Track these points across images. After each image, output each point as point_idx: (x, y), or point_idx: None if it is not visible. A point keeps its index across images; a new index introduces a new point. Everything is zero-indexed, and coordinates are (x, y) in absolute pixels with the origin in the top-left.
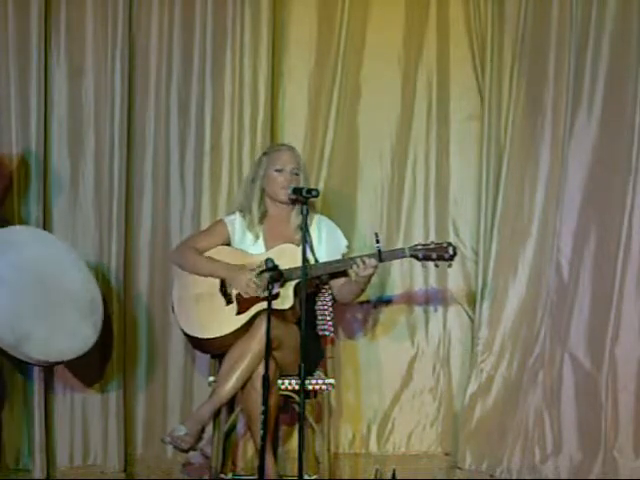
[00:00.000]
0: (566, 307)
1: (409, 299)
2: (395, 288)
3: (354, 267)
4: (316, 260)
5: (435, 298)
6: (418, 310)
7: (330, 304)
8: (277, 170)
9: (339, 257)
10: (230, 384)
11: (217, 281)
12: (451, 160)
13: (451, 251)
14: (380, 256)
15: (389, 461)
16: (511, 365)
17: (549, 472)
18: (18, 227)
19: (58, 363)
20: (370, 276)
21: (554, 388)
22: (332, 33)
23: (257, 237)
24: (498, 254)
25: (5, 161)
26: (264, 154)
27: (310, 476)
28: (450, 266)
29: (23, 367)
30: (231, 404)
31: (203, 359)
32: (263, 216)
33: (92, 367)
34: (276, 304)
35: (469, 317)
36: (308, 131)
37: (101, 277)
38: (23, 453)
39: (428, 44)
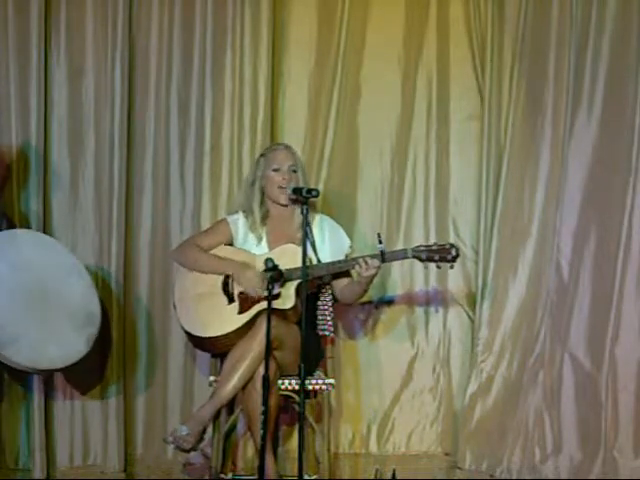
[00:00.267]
0: (566, 307)
1: (409, 299)
2: (396, 288)
3: (357, 267)
4: (318, 260)
5: (435, 298)
6: (418, 310)
7: (330, 304)
8: (274, 170)
9: (343, 257)
10: (231, 384)
11: (219, 280)
12: (451, 160)
13: (454, 252)
14: (383, 257)
15: (389, 461)
16: (511, 365)
17: (549, 472)
18: (20, 230)
19: (46, 371)
20: (373, 277)
21: (554, 388)
22: (332, 33)
23: (260, 239)
24: (498, 254)
25: (2, 149)
26: (261, 155)
27: (310, 476)
28: (452, 267)
29: None
30: (231, 404)
31: (203, 359)
32: (265, 217)
33: (92, 367)
34: (278, 304)
35: (469, 317)
36: (308, 131)
37: (101, 277)
38: (23, 453)
39: (428, 44)
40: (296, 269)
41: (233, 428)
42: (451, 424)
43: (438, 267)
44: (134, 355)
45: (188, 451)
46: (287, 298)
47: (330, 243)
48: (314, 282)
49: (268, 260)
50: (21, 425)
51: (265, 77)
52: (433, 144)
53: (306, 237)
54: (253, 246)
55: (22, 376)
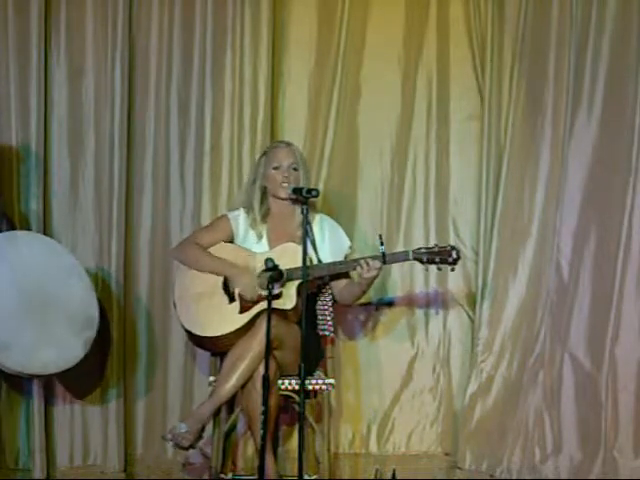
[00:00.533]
0: (566, 307)
1: (410, 300)
2: (396, 289)
3: (358, 269)
4: (319, 259)
5: (435, 298)
6: (418, 310)
7: (330, 304)
8: (275, 168)
9: (342, 257)
10: (230, 383)
11: (220, 279)
12: (451, 160)
13: (455, 255)
14: (384, 259)
15: (389, 461)
16: (511, 365)
17: (549, 472)
18: (20, 232)
19: (39, 376)
20: (373, 278)
21: (554, 388)
22: (332, 33)
23: (260, 236)
24: (498, 254)
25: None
26: (263, 154)
27: (310, 476)
28: (453, 270)
29: None
30: (231, 404)
31: (203, 359)
32: (266, 214)
33: (92, 368)
34: (279, 304)
35: (469, 317)
36: (308, 131)
37: (101, 278)
38: (23, 453)
39: (428, 44)
40: (297, 269)
41: (233, 428)
42: (451, 424)
43: (439, 269)
44: (134, 355)
45: (187, 449)
46: (288, 298)
47: (330, 243)
48: (314, 282)
49: (268, 260)
50: (21, 425)
51: (265, 77)
52: (433, 144)
53: (306, 237)
54: (253, 243)
55: (22, 377)
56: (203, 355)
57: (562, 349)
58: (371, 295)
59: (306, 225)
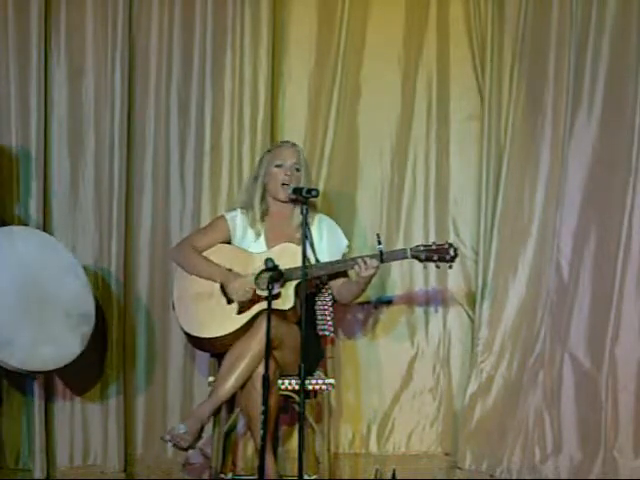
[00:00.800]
0: (566, 307)
1: (409, 299)
2: (395, 288)
3: (355, 267)
4: (317, 259)
5: (435, 298)
6: (418, 310)
7: (330, 304)
8: (277, 165)
9: (340, 257)
10: (229, 383)
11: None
12: (451, 160)
13: (452, 252)
14: (382, 257)
15: (389, 461)
16: (511, 365)
17: (549, 472)
18: (16, 227)
19: (38, 373)
20: (371, 277)
21: (554, 388)
22: (332, 33)
23: (258, 235)
24: (498, 254)
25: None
26: (267, 151)
27: (310, 476)
28: (451, 267)
29: None
30: (231, 404)
31: (203, 359)
32: (265, 213)
33: (92, 368)
34: (277, 304)
35: (469, 317)
36: (308, 131)
37: (101, 277)
38: (23, 453)
39: (428, 44)
40: (295, 269)
41: (233, 428)
42: (451, 424)
43: (437, 267)
44: (134, 355)
45: (185, 449)
46: (286, 298)
47: (327, 243)
48: (312, 282)
49: (268, 260)
50: (22, 425)
51: (265, 77)
52: (433, 144)
53: (305, 237)
54: (251, 242)
55: (22, 376)
56: (202, 355)
57: (562, 349)
58: (370, 294)
59: (305, 226)
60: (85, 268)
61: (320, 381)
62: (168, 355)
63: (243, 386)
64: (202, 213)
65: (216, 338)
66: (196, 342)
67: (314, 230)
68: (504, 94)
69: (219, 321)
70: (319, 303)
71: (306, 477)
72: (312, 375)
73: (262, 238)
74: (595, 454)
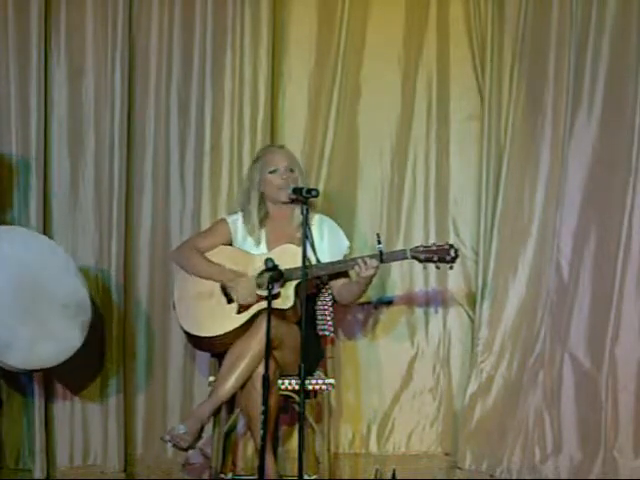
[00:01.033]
0: (566, 307)
1: (409, 299)
2: (395, 288)
3: (355, 268)
4: (317, 259)
5: (435, 298)
6: (418, 310)
7: (330, 304)
8: (271, 171)
9: (341, 258)
10: (230, 383)
11: None
12: (451, 160)
13: (453, 253)
14: (382, 257)
15: (389, 461)
16: (511, 365)
17: (549, 472)
18: (3, 227)
19: (38, 371)
20: (371, 277)
21: (554, 388)
22: (332, 33)
23: (258, 242)
24: (498, 254)
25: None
26: (256, 159)
27: (310, 476)
28: (451, 268)
29: None
30: (231, 404)
31: (203, 359)
32: (264, 219)
33: (92, 368)
34: (277, 304)
35: (469, 317)
36: (308, 131)
37: (101, 278)
38: (23, 453)
39: (428, 44)
40: (295, 269)
41: (233, 428)
42: (451, 424)
43: (437, 267)
44: (134, 355)
45: (185, 449)
46: (286, 298)
47: (328, 243)
48: (312, 282)
49: (268, 260)
50: (22, 425)
51: (265, 77)
52: (433, 144)
53: (306, 238)
54: (252, 246)
55: (22, 376)
56: (203, 355)
57: (562, 349)
58: (370, 294)
59: (305, 226)
60: (85, 269)
61: (320, 381)
62: (168, 355)
63: (243, 386)
64: (202, 213)
65: (216, 337)
66: (196, 342)
67: (315, 230)
68: (504, 94)
69: (219, 320)
70: (319, 303)
71: (306, 477)
72: (312, 375)
73: (263, 244)
74: (595, 454)
